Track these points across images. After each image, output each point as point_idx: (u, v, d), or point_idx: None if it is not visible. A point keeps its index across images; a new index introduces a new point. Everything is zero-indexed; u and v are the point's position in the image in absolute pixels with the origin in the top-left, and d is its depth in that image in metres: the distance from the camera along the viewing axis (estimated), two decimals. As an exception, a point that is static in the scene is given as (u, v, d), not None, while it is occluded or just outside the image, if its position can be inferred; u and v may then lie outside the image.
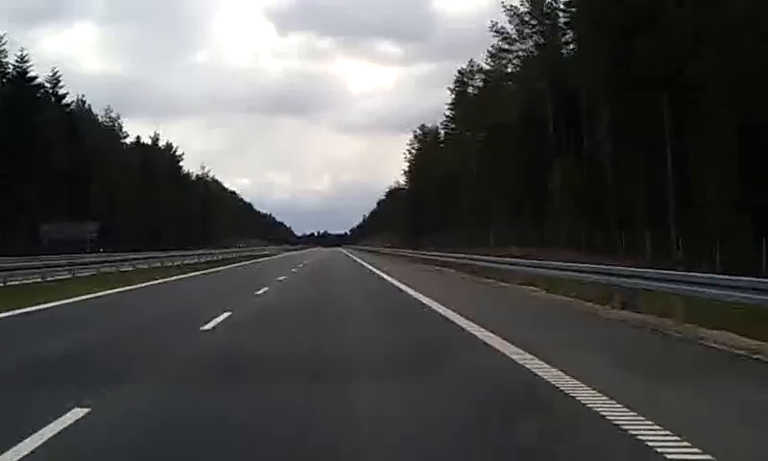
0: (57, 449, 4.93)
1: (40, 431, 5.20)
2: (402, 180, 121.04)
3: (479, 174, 72.09)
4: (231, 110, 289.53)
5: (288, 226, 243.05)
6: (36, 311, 15.01)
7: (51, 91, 79.32)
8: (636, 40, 40.68)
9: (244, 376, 7.84)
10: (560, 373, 7.39)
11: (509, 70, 65.56)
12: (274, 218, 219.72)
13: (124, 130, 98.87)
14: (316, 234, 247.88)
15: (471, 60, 78.36)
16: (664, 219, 42.06)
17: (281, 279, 28.34)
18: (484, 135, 70.20)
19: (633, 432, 5.18)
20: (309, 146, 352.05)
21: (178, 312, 15.58)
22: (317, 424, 5.61)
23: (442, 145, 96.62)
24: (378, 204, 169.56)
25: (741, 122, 33.19)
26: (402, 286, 22.82)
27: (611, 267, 18.10)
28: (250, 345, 10.45)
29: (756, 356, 8.64)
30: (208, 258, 52.66)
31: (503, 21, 62.64)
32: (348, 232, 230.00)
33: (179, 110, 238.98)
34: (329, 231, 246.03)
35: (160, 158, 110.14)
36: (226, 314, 13.57)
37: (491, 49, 70.03)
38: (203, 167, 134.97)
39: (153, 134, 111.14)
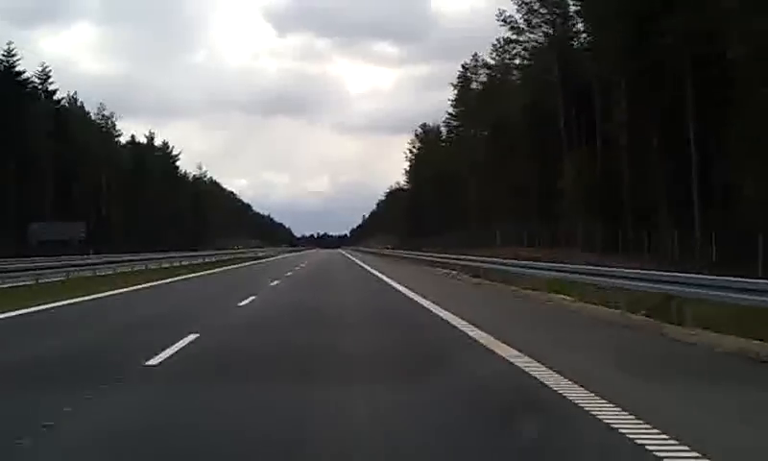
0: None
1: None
2: (403, 180, 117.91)
3: (483, 172, 68.70)
4: (230, 111, 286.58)
5: (287, 227, 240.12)
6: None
7: (40, 87, 75.91)
8: (659, 20, 37.42)
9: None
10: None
11: (516, 62, 62.12)
12: (272, 219, 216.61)
13: (117, 128, 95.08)
14: (315, 236, 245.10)
15: (476, 53, 75.04)
16: (688, 216, 38.65)
17: (273, 284, 24.89)
18: (489, 132, 66.75)
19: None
20: (308, 147, 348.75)
21: (129, 336, 11.34)
22: None
23: (443, 144, 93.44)
24: (378, 205, 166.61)
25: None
26: (414, 295, 19.34)
27: (662, 273, 14.96)
28: (206, 399, 6.61)
29: None
30: (201, 260, 49.09)
31: (511, 10, 59.17)
32: (348, 234, 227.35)
33: (177, 111, 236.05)
34: (329, 233, 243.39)
35: (155, 158, 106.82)
36: (189, 338, 10.18)
37: (495, 43, 66.73)
38: (199, 167, 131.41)
39: (147, 133, 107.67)
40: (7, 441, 5.02)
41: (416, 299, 17.71)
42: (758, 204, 30.18)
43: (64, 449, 5.00)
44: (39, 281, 22.91)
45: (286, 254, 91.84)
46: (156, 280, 25.82)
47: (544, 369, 7.59)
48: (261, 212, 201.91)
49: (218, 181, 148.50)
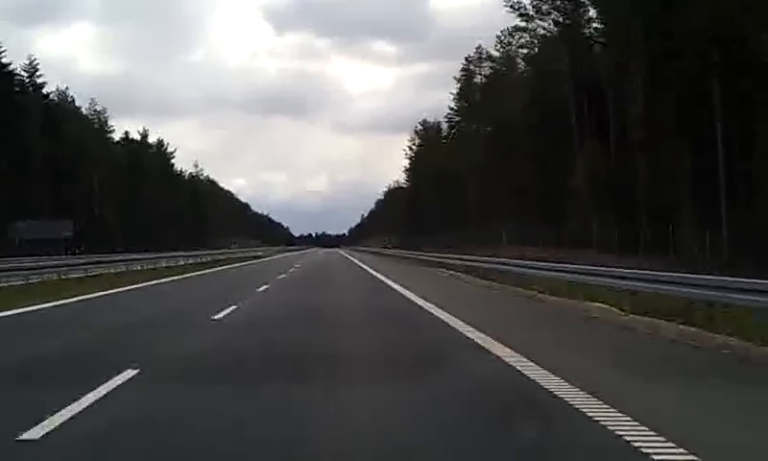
0: None
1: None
2: (402, 178, 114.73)
3: (487, 168, 65.51)
4: (229, 111, 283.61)
5: (286, 226, 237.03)
6: None
7: (28, 81, 72.64)
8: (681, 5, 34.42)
9: None
10: None
11: (524, 51, 58.78)
12: (270, 218, 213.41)
13: (110, 124, 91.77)
14: (314, 235, 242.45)
15: (479, 45, 71.80)
16: (713, 216, 35.49)
17: (261, 289, 21.68)
18: (493, 126, 63.44)
19: None
20: (307, 146, 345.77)
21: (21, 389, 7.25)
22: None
23: (444, 141, 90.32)
24: (377, 204, 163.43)
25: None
26: (425, 304, 16.12)
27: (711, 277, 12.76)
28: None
29: None
30: (192, 261, 45.88)
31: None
32: (347, 233, 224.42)
33: (176, 111, 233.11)
34: (327, 232, 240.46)
35: (150, 155, 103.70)
36: (127, 374, 7.05)
37: (500, 34, 63.63)
38: (195, 165, 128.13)
39: (141, 130, 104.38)
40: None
41: (433, 311, 14.47)
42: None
43: None
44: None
45: (283, 254, 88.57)
46: (128, 285, 22.51)
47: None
48: (259, 212, 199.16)
49: (216, 180, 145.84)
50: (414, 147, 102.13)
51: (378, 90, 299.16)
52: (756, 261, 26.42)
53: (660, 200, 40.84)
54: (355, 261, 54.09)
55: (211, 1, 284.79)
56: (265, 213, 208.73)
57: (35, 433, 5.04)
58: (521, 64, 61.89)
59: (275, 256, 73.08)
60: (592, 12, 50.66)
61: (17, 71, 70.29)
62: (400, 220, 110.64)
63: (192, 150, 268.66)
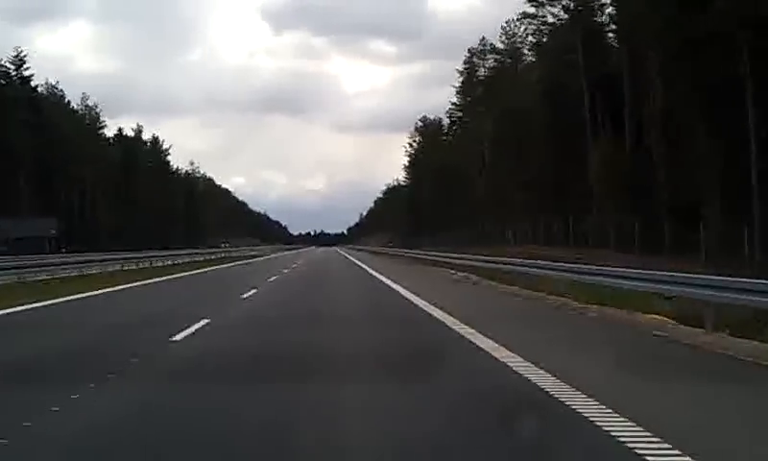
0: None
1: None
2: (402, 176, 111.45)
3: (492, 164, 62.28)
4: (226, 110, 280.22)
5: (284, 225, 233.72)
6: None
7: (14, 74, 69.21)
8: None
9: None
10: None
11: (531, 40, 55.40)
12: (268, 217, 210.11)
13: (102, 120, 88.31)
14: (312, 234, 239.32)
15: (483, 37, 68.45)
16: (745, 209, 32.25)
17: (246, 296, 18.38)
18: (498, 120, 60.10)
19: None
20: (305, 145, 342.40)
21: None
22: None
23: (445, 137, 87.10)
24: (375, 202, 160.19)
25: None
26: (449, 320, 12.84)
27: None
28: None
29: None
30: (181, 261, 42.59)
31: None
32: (345, 232, 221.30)
33: (174, 110, 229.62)
34: (326, 231, 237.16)
35: (144, 153, 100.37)
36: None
37: (505, 25, 60.41)
38: (191, 163, 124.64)
39: (135, 127, 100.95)
40: None
41: (467, 335, 11.17)
42: None
43: None
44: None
45: (279, 253, 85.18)
46: (89, 291, 19.10)
47: None
48: (257, 210, 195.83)
49: (214, 179, 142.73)
50: (414, 144, 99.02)
51: (377, 89, 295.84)
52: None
53: (683, 196, 37.62)
54: (354, 260, 50.77)
55: (210, 1, 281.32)
56: (263, 212, 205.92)
57: None
58: (528, 55, 58.59)
59: (269, 256, 69.62)
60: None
61: (2, 62, 66.87)
62: (401, 219, 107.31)
63: (191, 149, 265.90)
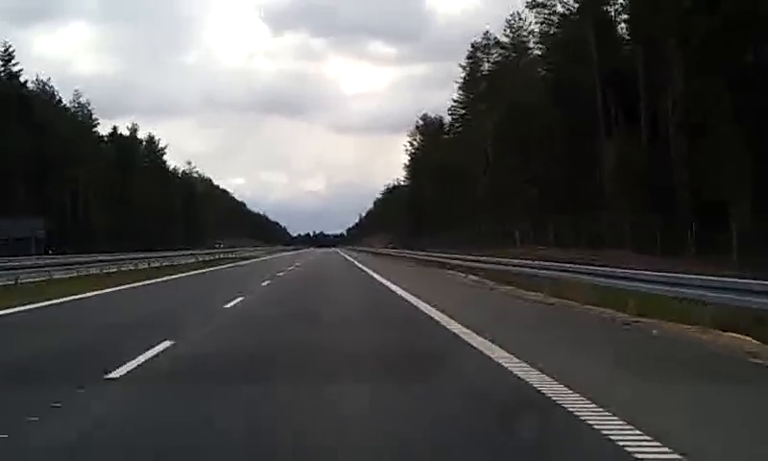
0: None
1: None
2: (402, 176, 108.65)
3: (496, 162, 59.49)
4: (226, 111, 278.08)
5: (283, 226, 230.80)
6: None
7: (2, 69, 66.41)
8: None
9: None
10: None
11: (540, 32, 52.51)
12: (267, 218, 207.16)
13: (95, 117, 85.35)
14: (311, 235, 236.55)
15: (487, 31, 65.62)
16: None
17: (228, 306, 15.59)
18: (503, 116, 57.27)
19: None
20: (304, 146, 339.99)
21: None
22: None
23: (447, 136, 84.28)
24: (375, 203, 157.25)
25: None
26: (481, 344, 9.98)
27: None
28: None
29: None
30: (166, 262, 39.83)
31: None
32: (345, 233, 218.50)
33: (174, 111, 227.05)
34: (325, 232, 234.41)
35: (140, 152, 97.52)
36: None
37: (510, 18, 57.67)
38: (189, 163, 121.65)
39: (131, 125, 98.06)
40: None
41: (529, 379, 8.34)
42: None
43: None
44: None
45: (276, 255, 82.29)
46: (53, 298, 16.35)
47: None
48: (256, 211, 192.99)
49: (213, 179, 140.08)
50: (415, 143, 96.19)
51: (376, 90, 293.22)
52: None
53: (706, 194, 34.87)
54: (355, 262, 47.96)
55: (208, 2, 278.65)
56: (262, 213, 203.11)
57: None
58: (534, 49, 55.79)
59: (266, 257, 66.72)
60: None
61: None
62: (401, 219, 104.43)
63: (191, 150, 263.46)
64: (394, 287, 20.86)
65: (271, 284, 23.43)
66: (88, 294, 18.25)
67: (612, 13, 45.53)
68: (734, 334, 10.01)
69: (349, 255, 71.19)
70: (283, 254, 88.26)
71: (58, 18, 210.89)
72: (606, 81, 43.15)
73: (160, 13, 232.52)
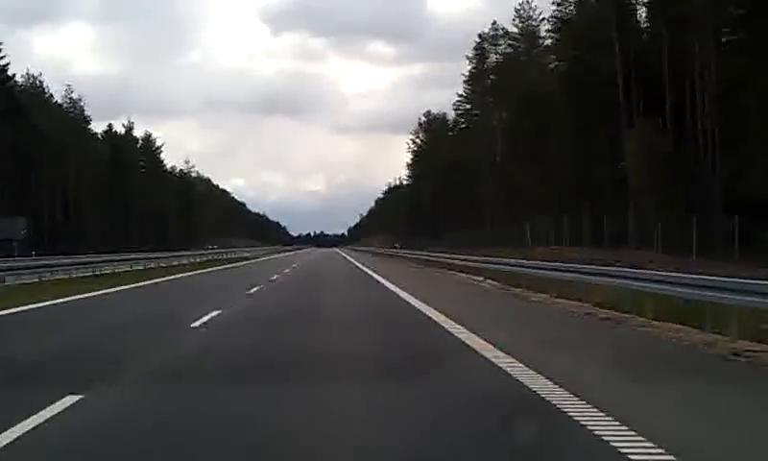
0: None
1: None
2: (404, 175, 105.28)
3: (505, 158, 56.08)
4: (226, 111, 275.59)
5: (284, 226, 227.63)
6: None
7: (-12, 62, 62.97)
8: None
9: None
10: None
11: (555, 18, 49.01)
12: (267, 218, 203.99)
13: (87, 114, 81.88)
14: (312, 235, 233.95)
15: (495, 21, 62.16)
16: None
17: (196, 325, 12.12)
18: (513, 109, 53.82)
19: None
20: (304, 146, 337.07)
21: None
22: None
23: (451, 133, 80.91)
24: (376, 202, 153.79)
25: None
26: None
27: None
28: None
29: None
30: (152, 264, 36.47)
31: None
32: (346, 233, 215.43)
33: (174, 111, 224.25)
34: (326, 232, 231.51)
35: (135, 151, 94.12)
36: None
37: (518, 6, 54.33)
38: (186, 162, 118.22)
39: (126, 123, 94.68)
40: None
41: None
42: None
43: None
44: None
45: (276, 255, 78.88)
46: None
47: None
48: (256, 211, 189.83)
49: (213, 179, 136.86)
50: (418, 141, 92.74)
51: (376, 90, 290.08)
52: None
53: (741, 189, 31.54)
54: (357, 263, 44.53)
55: (207, 2, 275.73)
56: (263, 213, 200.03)
57: None
58: (546, 37, 52.38)
59: (263, 258, 63.29)
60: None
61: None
62: (403, 219, 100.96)
63: (190, 150, 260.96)
64: (400, 290, 17.41)
65: (259, 292, 19.96)
66: (29, 307, 14.77)
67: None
68: None
69: (350, 256, 67.81)
70: (281, 254, 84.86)
71: (58, 19, 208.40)
72: (628, 66, 39.71)
73: (160, 14, 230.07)
